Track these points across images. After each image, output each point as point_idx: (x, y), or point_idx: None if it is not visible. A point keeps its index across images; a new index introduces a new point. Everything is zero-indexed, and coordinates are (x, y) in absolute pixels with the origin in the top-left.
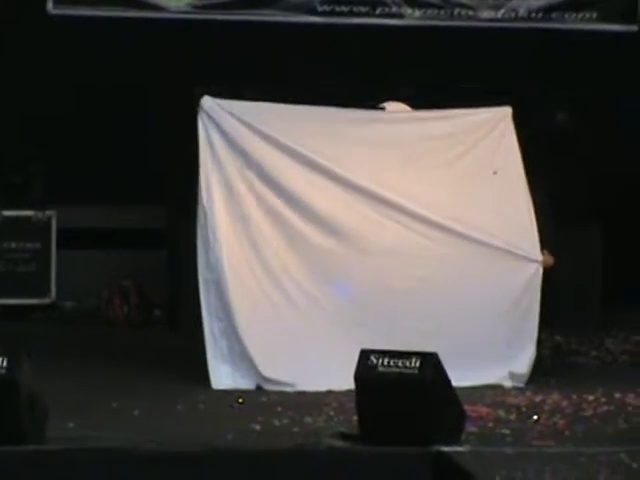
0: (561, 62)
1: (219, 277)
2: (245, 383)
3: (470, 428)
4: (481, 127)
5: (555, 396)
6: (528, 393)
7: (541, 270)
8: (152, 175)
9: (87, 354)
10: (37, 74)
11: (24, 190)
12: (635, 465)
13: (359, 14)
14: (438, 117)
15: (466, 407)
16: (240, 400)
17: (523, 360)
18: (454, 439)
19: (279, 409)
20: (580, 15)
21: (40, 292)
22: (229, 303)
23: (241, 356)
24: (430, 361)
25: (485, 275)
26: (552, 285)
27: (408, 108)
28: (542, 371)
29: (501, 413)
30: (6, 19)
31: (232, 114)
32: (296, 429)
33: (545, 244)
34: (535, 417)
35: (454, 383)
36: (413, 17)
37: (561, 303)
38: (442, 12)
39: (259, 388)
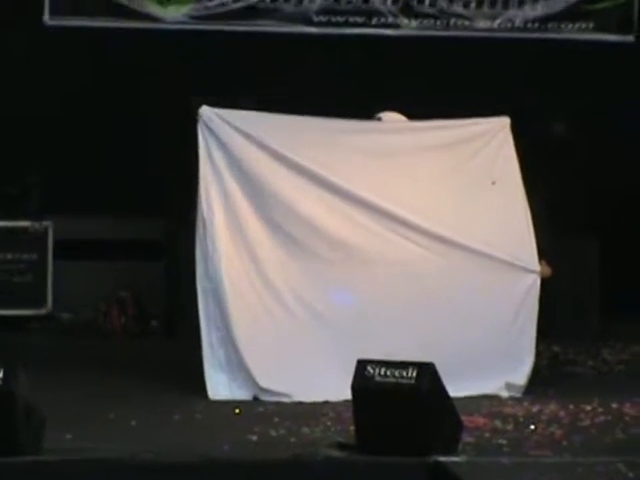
0: (558, 72)
1: (217, 287)
2: (242, 393)
3: (467, 438)
4: (480, 137)
5: (552, 406)
6: (525, 403)
7: (539, 281)
8: (150, 186)
9: (84, 365)
10: (34, 84)
11: (21, 201)
12: (632, 475)
13: (355, 24)
14: (437, 127)
15: (463, 417)
16: (237, 411)
17: (521, 371)
18: (451, 449)
19: (276, 419)
20: (577, 25)
21: (36, 303)
22: (227, 313)
23: (238, 366)
24: (427, 371)
25: (483, 285)
26: (549, 295)
27: (404, 118)
28: (539, 381)
29: (498, 423)
30: (2, 29)
31: (230, 124)
32: (293, 439)
33: (543, 254)
34: (532, 427)
35: (451, 393)
36: (409, 27)
37: (558, 313)
38: (438, 22)
39: (256, 399)
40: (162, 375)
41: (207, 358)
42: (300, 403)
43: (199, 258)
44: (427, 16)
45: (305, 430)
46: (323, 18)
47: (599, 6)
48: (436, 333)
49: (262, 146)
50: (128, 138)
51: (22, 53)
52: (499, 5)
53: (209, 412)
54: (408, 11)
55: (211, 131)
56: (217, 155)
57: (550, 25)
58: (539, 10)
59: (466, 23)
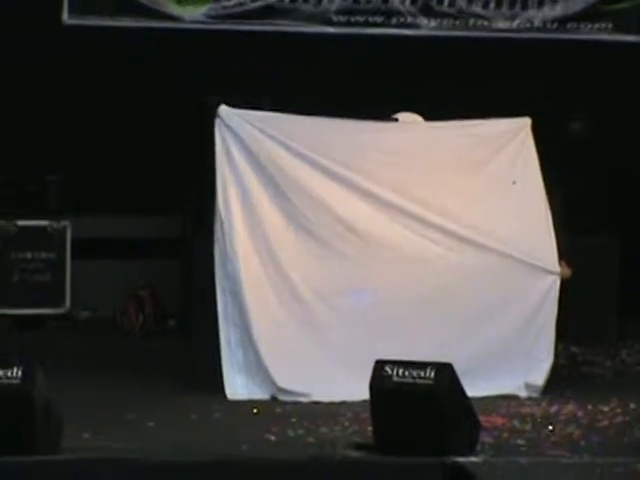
0: (578, 72)
1: (236, 287)
2: (260, 393)
3: (485, 438)
4: (500, 137)
5: (570, 406)
6: (543, 403)
7: (559, 282)
8: (168, 185)
9: (102, 364)
10: (53, 83)
11: (39, 200)
12: None
13: (374, 24)
14: (457, 128)
15: (481, 417)
16: (255, 410)
17: (540, 372)
18: (469, 449)
19: (294, 419)
20: (596, 26)
21: (55, 302)
22: (246, 313)
23: (256, 366)
24: (445, 371)
25: (503, 286)
26: (568, 295)
27: (420, 118)
28: (558, 381)
29: (516, 423)
30: (21, 27)
31: (250, 123)
32: (311, 439)
33: (563, 255)
34: (550, 427)
35: (469, 393)
36: (428, 27)
37: (577, 313)
38: (457, 22)
39: (274, 398)
40: (180, 374)
41: (225, 358)
42: (318, 403)
43: (218, 259)
44: (446, 16)
45: (323, 430)
46: (342, 18)
47: (618, 6)
48: (455, 333)
49: (281, 144)
50: (146, 137)
51: (41, 52)
52: (518, 5)
53: (227, 412)
54: (427, 11)
55: (230, 129)
56: (236, 153)
57: (569, 25)
58: (558, 10)
59: (485, 23)
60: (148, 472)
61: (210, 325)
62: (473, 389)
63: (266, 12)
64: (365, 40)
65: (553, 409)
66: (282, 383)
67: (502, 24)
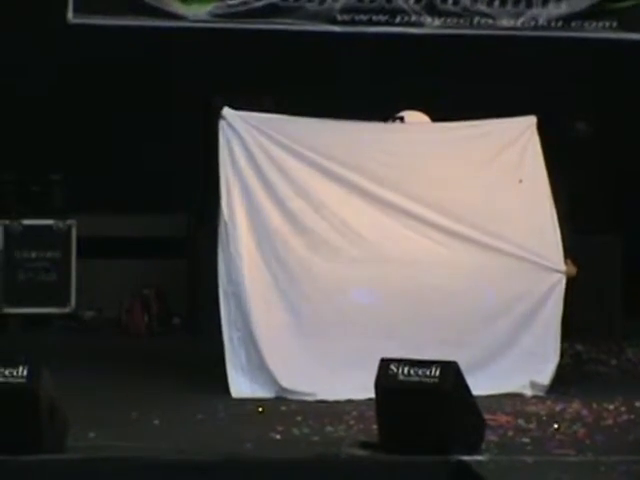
0: (582, 70)
1: (239, 290)
2: (264, 392)
3: (490, 437)
4: (506, 136)
5: (575, 405)
6: (548, 402)
7: (564, 280)
8: (173, 184)
9: (107, 363)
10: (58, 82)
11: (44, 199)
12: None
13: (379, 23)
14: (463, 128)
15: (486, 416)
16: (260, 409)
17: (546, 371)
18: (474, 448)
19: (299, 418)
20: (600, 24)
21: (60, 301)
22: (248, 314)
23: (259, 367)
24: (450, 370)
25: (508, 284)
26: (573, 293)
27: (426, 117)
28: (562, 380)
29: (521, 422)
30: (26, 27)
31: (253, 126)
32: (316, 438)
33: (568, 254)
34: (555, 426)
35: (474, 392)
36: (433, 26)
37: (582, 312)
38: (462, 21)
39: (279, 397)
40: (185, 373)
41: (229, 358)
42: (323, 402)
43: (221, 261)
44: (450, 14)
45: (328, 429)
46: (347, 17)
47: (623, 4)
48: (460, 331)
49: (284, 146)
50: (151, 136)
51: (46, 51)
52: (523, 3)
53: (232, 411)
54: (431, 10)
55: (233, 131)
56: (239, 155)
57: (574, 24)
58: (563, 8)
59: (490, 21)
60: (153, 471)
61: (217, 324)
62: (478, 388)
63: (270, 11)
64: (369, 39)
65: (558, 407)
66: (286, 383)
67: (507, 22)
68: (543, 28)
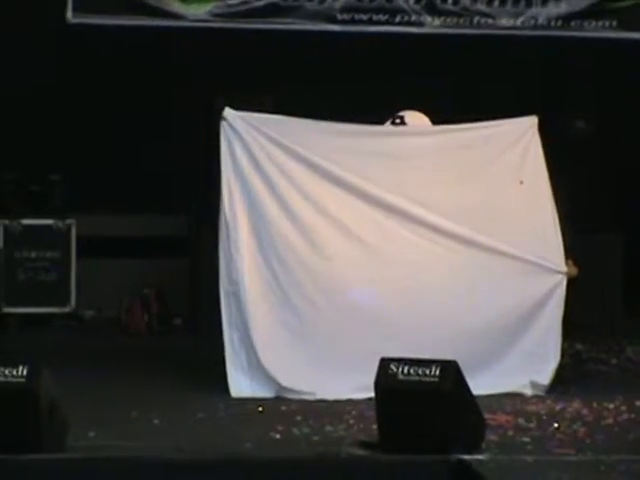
0: (583, 69)
1: (239, 290)
2: (265, 392)
3: (490, 436)
4: (507, 137)
5: (576, 404)
6: (548, 401)
7: (565, 281)
8: (173, 184)
9: (107, 363)
10: (57, 82)
11: (44, 199)
12: None
13: (379, 22)
14: (463, 129)
15: (486, 415)
16: (260, 409)
17: (546, 371)
18: (474, 447)
19: (299, 418)
20: (600, 23)
21: (60, 301)
22: (248, 315)
23: (259, 367)
24: (450, 369)
25: (508, 285)
26: (573, 293)
27: (426, 118)
28: (563, 379)
29: (521, 421)
30: (25, 27)
31: (254, 127)
32: (316, 438)
33: (569, 254)
34: (555, 425)
35: (474, 391)
36: (433, 25)
37: (582, 311)
38: (462, 20)
39: (279, 397)
40: (185, 373)
41: (229, 358)
42: (323, 401)
43: (222, 261)
44: (450, 14)
45: (328, 428)
46: (347, 16)
47: (623, 4)
48: (460, 332)
49: (287, 149)
50: (151, 136)
51: (45, 51)
52: (522, 3)
53: (232, 410)
54: (431, 9)
55: (235, 132)
56: (241, 156)
57: (573, 23)
58: (562, 8)
59: (489, 21)
60: (153, 470)
61: (217, 324)
62: (478, 387)
63: (270, 10)
64: (369, 38)
65: (558, 407)
66: (286, 383)
67: (506, 22)
68: (543, 27)
